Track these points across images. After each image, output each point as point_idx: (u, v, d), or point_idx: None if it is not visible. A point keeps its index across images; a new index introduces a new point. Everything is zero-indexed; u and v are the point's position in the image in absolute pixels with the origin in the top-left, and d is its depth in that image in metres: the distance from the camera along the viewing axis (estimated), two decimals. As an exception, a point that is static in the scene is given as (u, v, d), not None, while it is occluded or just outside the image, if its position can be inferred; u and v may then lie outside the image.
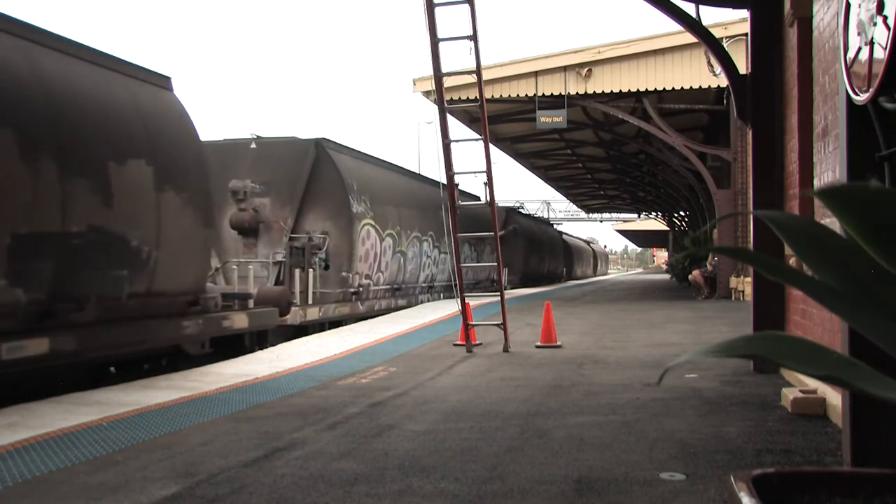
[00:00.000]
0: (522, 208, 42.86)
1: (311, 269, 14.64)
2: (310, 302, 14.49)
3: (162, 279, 8.40)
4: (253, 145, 15.93)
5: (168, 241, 8.44)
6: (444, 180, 9.66)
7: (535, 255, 37.10)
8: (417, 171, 23.76)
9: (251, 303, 11.41)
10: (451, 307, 15.58)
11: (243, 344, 10.51)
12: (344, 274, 15.82)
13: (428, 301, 21.35)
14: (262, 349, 10.53)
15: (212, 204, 9.63)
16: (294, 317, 13.35)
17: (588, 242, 74.71)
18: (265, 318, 11.12)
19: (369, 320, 14.91)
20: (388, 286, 18.56)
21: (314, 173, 15.69)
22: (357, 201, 16.21)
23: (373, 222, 17.08)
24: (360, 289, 16.37)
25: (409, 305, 19.50)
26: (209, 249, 9.40)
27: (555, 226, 54.39)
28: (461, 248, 24.37)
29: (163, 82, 9.26)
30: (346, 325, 14.69)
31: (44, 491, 3.69)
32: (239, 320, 10.17)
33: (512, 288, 28.89)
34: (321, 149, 15.93)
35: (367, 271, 16.79)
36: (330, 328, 14.27)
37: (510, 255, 30.83)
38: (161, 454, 4.37)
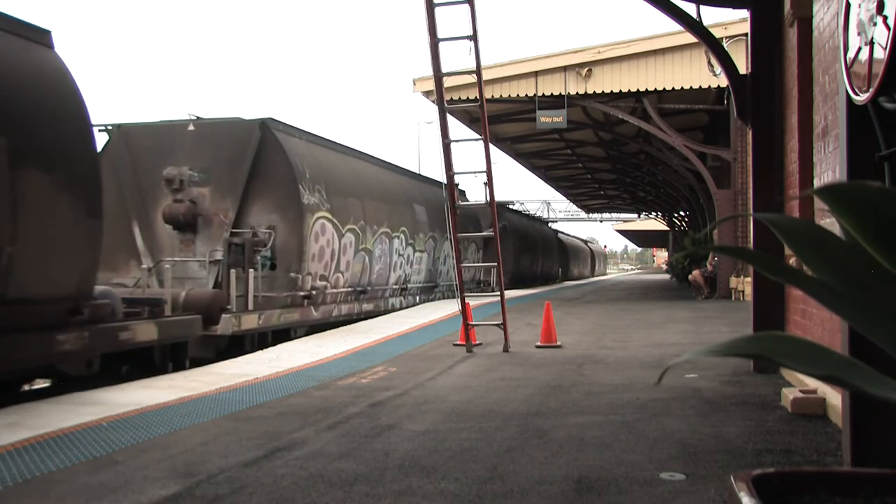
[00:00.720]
0: (513, 204, 39.26)
1: (252, 270, 12.48)
2: (249, 307, 12.24)
3: (22, 283, 6.63)
4: (191, 127, 13.91)
5: (31, 234, 6.71)
6: (444, 180, 9.66)
7: (528, 254, 35.22)
8: (396, 164, 21.29)
9: (168, 309, 9.85)
10: (450, 307, 15.57)
11: (152, 360, 8.83)
12: (293, 275, 13.56)
13: (401, 306, 18.97)
14: (176, 365, 9.13)
15: (100, 189, 7.71)
16: (226, 326, 11.35)
17: (586, 241, 72.42)
18: (182, 329, 9.22)
19: (370, 320, 14.80)
20: (350, 289, 16.08)
21: (259, 159, 13.51)
22: (309, 191, 13.99)
23: (329, 215, 14.77)
24: (314, 292, 14.05)
25: (376, 311, 17.15)
26: (97, 244, 7.53)
27: (550, 224, 52.06)
28: (440, 247, 21.18)
29: (38, 36, 7.49)
30: (297, 335, 13.02)
31: (43, 491, 3.69)
32: (143, 331, 8.36)
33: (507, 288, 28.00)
34: (267, 130, 13.65)
35: (322, 272, 14.54)
36: (274, 339, 12.48)
37: (496, 255, 30.76)
38: (161, 454, 4.37)
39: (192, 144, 13.80)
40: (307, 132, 15.40)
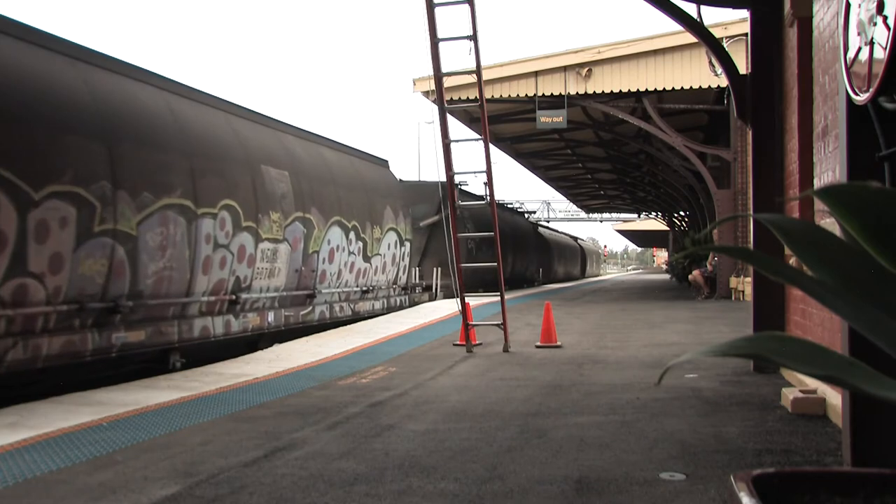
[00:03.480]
0: (464, 185, 28.02)
1: None
2: None
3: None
4: None
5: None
6: (444, 180, 9.66)
7: (491, 250, 23.01)
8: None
9: None
10: (451, 307, 15.57)
11: None
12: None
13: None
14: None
15: None
16: None
17: (575, 238, 62.57)
18: None
19: (370, 320, 14.75)
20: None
21: None
22: None
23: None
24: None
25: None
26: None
27: (527, 216, 42.08)
28: (321, 235, 12.93)
29: None
30: None
31: (43, 491, 3.69)
32: None
33: (444, 297, 20.81)
34: None
35: None
36: None
37: (447, 250, 21.81)
38: (161, 454, 4.37)
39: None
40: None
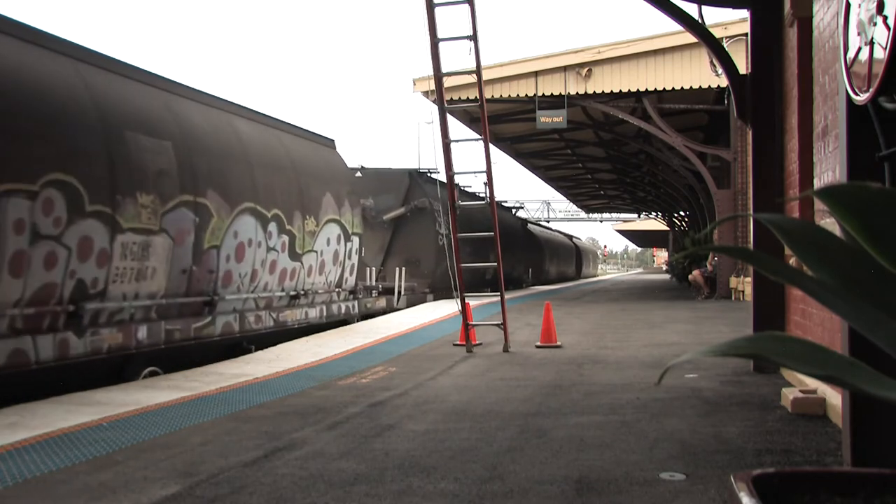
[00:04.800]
0: (434, 172, 22.08)
1: None
2: None
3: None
4: None
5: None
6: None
7: (467, 247, 18.59)
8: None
9: None
10: (451, 307, 15.57)
11: None
12: None
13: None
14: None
15: None
16: None
17: (570, 237, 59.27)
18: None
19: (370, 320, 14.72)
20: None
21: None
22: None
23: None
24: None
25: None
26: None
27: (514, 210, 37.44)
28: (219, 225, 9.47)
29: None
30: None
31: (44, 491, 3.69)
32: None
33: (409, 305, 18.30)
34: None
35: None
36: None
37: (413, 245, 20.41)
38: (161, 454, 4.37)
39: None
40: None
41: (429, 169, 21.88)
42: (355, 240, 14.30)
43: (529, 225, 39.55)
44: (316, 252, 12.56)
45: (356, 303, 14.43)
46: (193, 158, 9.27)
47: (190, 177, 9.14)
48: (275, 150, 11.76)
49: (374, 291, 16.85)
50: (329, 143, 14.59)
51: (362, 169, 20.22)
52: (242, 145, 10.70)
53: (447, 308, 16.32)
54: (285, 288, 11.63)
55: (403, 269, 19.00)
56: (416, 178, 21.11)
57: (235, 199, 10.08)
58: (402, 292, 18.45)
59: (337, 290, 13.56)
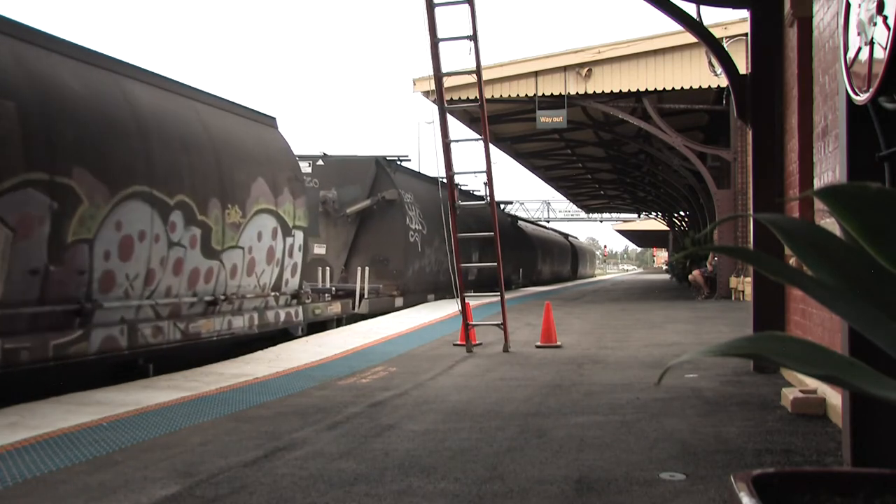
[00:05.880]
0: (404, 160, 20.48)
1: None
2: None
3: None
4: None
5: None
6: (444, 180, 9.66)
7: (444, 245, 18.67)
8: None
9: None
10: (451, 307, 15.57)
11: None
12: None
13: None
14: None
15: None
16: None
17: (566, 235, 56.88)
18: None
19: (368, 320, 14.67)
20: None
21: None
22: None
23: None
24: None
25: None
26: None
27: (504, 208, 35.78)
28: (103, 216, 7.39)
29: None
30: None
31: (44, 491, 3.69)
32: None
33: (372, 310, 16.40)
34: None
35: None
36: None
37: (380, 242, 18.37)
38: (161, 454, 4.37)
39: None
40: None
41: (398, 157, 19.65)
42: (298, 234, 12.13)
43: (520, 222, 37.24)
44: (242, 248, 10.40)
45: (300, 308, 12.14)
46: (51, 127, 7.22)
47: (45, 150, 7.09)
48: (187, 123, 9.63)
49: (326, 295, 14.91)
50: (268, 121, 12.41)
51: (324, 157, 18.46)
52: (136, 115, 8.58)
53: (448, 308, 16.28)
54: (198, 292, 9.48)
55: (368, 268, 17.30)
56: (385, 167, 18.66)
57: (118, 181, 7.95)
58: (366, 295, 16.67)
59: (274, 293, 11.41)
